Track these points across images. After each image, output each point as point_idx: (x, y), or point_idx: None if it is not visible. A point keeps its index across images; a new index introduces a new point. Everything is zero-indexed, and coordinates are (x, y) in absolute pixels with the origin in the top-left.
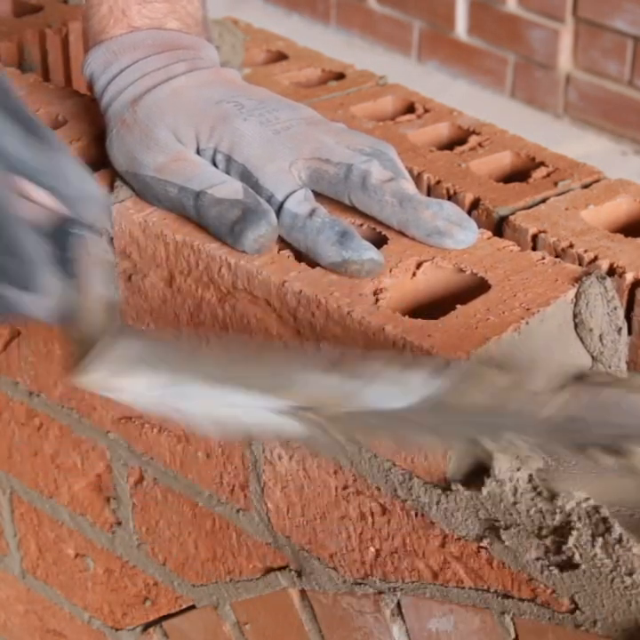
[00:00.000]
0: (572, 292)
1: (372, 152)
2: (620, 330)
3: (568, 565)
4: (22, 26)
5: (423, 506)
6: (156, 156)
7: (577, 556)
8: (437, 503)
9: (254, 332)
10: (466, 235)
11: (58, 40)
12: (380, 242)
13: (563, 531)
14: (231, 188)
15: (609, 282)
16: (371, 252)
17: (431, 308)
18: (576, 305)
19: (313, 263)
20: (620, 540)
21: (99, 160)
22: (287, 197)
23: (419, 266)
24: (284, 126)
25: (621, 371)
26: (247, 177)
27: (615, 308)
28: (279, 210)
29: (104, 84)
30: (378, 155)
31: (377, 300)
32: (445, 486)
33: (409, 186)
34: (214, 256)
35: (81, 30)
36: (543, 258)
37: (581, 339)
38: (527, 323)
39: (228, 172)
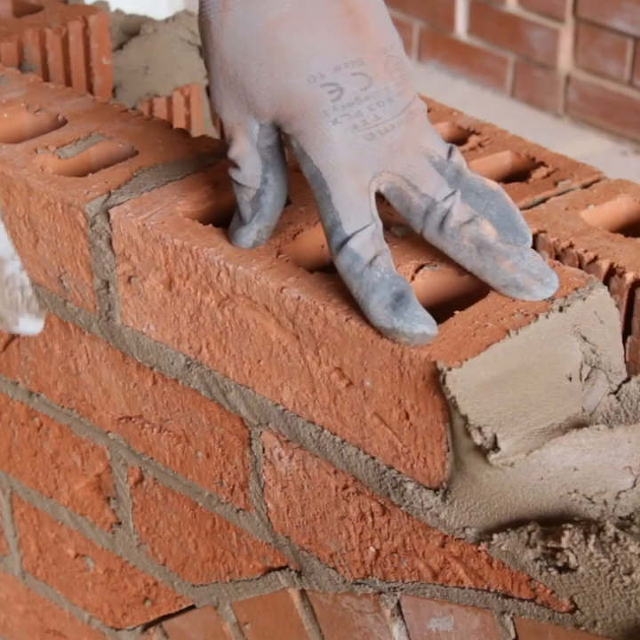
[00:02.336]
0: (570, 297)
1: (456, 177)
2: (618, 333)
3: (566, 567)
4: (22, 26)
5: (418, 512)
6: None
7: (572, 558)
8: (433, 508)
9: (253, 337)
10: (545, 291)
11: (58, 40)
12: None
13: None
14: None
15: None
16: (423, 326)
17: (430, 311)
18: (574, 309)
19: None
20: (616, 539)
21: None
22: (354, 234)
23: (417, 270)
24: (382, 129)
25: (622, 373)
26: (319, 184)
27: (614, 312)
28: (342, 243)
29: None
30: (463, 180)
31: None
32: (443, 492)
33: (490, 230)
34: (213, 261)
35: (81, 30)
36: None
37: (580, 342)
38: (525, 329)
39: (297, 159)
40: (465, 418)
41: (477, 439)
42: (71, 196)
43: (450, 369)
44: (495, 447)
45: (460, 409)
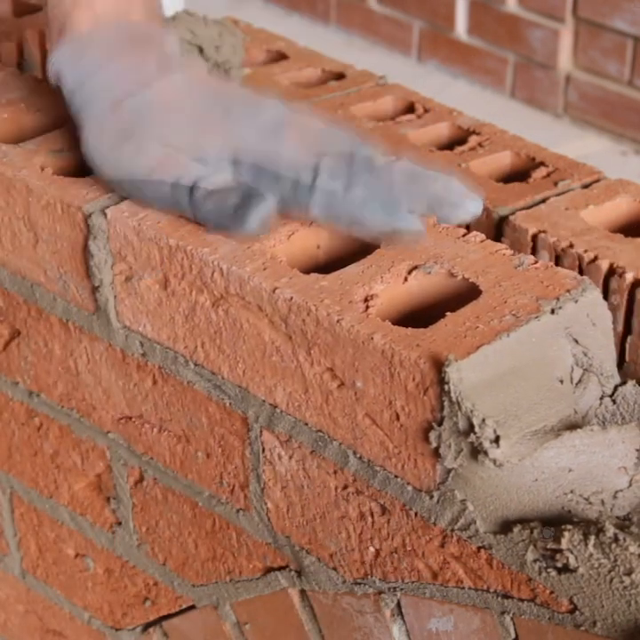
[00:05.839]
0: (562, 299)
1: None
2: (610, 336)
3: (565, 568)
4: (22, 26)
5: (411, 513)
6: (146, 161)
7: (572, 558)
8: (425, 509)
9: (247, 337)
10: (476, 206)
11: None
12: (370, 248)
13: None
14: (222, 179)
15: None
16: (417, 223)
17: (422, 313)
18: (566, 311)
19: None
20: (615, 540)
21: None
22: (315, 177)
23: (410, 271)
24: (278, 122)
25: (613, 377)
26: (263, 174)
27: (606, 315)
28: (310, 191)
29: (74, 84)
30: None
31: (367, 307)
32: (435, 494)
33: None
34: (207, 261)
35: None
36: (535, 262)
37: (571, 345)
38: (516, 331)
39: (240, 177)
40: (470, 411)
41: (486, 432)
42: (70, 196)
43: (454, 361)
44: (497, 442)
45: (463, 403)
